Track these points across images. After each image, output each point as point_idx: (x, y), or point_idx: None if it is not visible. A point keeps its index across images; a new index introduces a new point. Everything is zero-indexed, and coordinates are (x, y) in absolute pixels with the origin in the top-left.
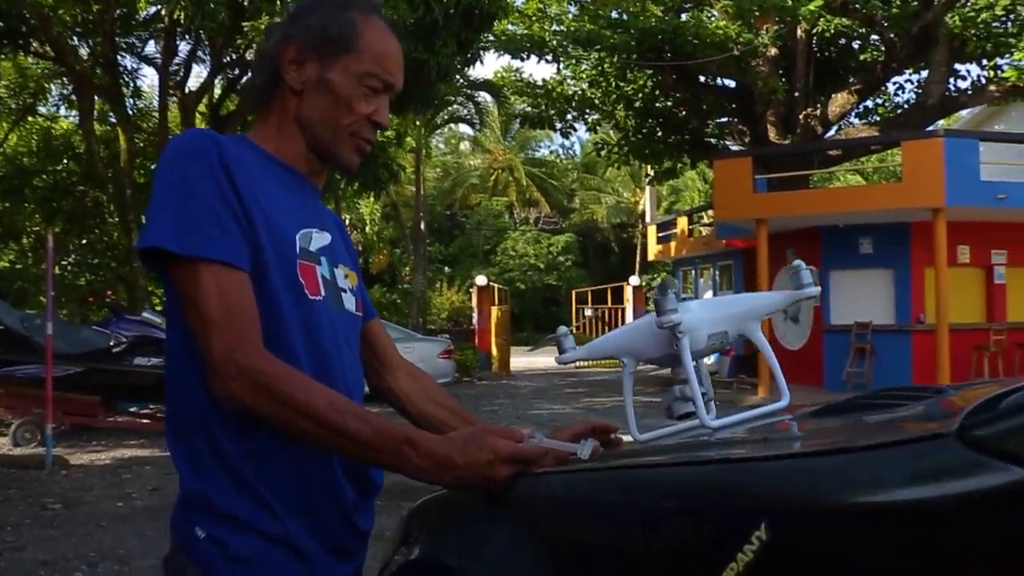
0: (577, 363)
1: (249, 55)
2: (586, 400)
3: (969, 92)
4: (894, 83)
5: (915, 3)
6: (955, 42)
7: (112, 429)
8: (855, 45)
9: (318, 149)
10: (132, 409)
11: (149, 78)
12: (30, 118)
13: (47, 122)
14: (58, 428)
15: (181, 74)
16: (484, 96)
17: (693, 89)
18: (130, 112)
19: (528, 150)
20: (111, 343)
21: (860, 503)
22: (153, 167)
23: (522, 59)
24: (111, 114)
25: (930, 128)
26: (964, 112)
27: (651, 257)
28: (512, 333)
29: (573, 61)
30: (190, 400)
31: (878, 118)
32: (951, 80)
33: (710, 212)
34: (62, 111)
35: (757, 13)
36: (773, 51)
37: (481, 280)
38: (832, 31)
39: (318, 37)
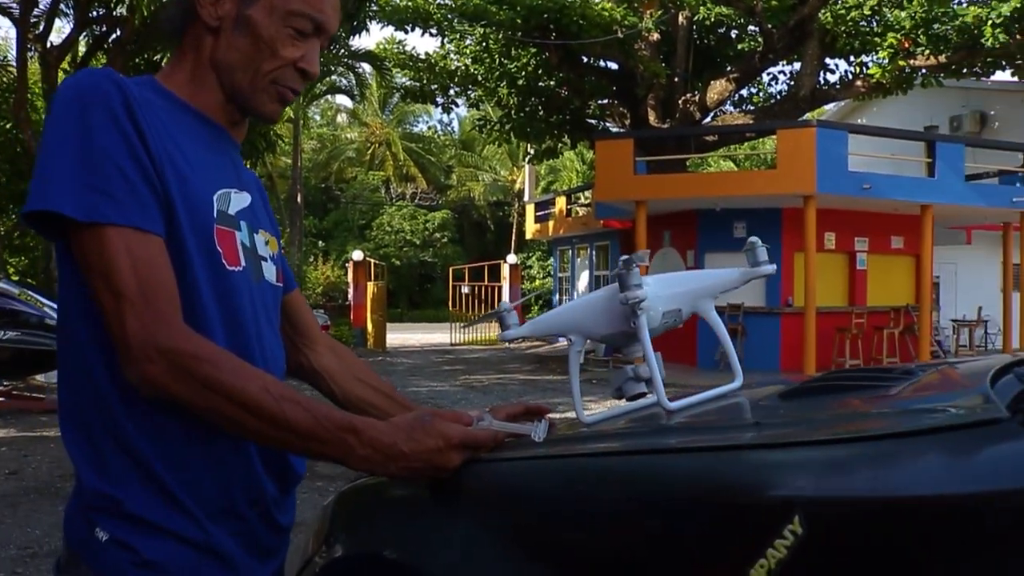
0: (453, 341)
1: (120, 10)
2: (463, 378)
3: (837, 86)
4: (769, 74)
5: None
6: (827, 37)
7: None
8: (734, 34)
9: (235, 97)
10: None
11: (4, 29)
12: None
13: None
14: None
15: (42, 27)
16: (365, 67)
17: (576, 69)
18: None
19: (406, 125)
20: None
21: (920, 495)
22: (8, 126)
23: (406, 31)
24: None
25: (803, 118)
26: (830, 105)
27: (529, 236)
28: (387, 309)
29: (458, 36)
30: (92, 386)
31: (752, 107)
32: (822, 73)
33: (588, 192)
34: None
35: None
36: (655, 36)
37: (357, 255)
38: (713, 19)
39: None
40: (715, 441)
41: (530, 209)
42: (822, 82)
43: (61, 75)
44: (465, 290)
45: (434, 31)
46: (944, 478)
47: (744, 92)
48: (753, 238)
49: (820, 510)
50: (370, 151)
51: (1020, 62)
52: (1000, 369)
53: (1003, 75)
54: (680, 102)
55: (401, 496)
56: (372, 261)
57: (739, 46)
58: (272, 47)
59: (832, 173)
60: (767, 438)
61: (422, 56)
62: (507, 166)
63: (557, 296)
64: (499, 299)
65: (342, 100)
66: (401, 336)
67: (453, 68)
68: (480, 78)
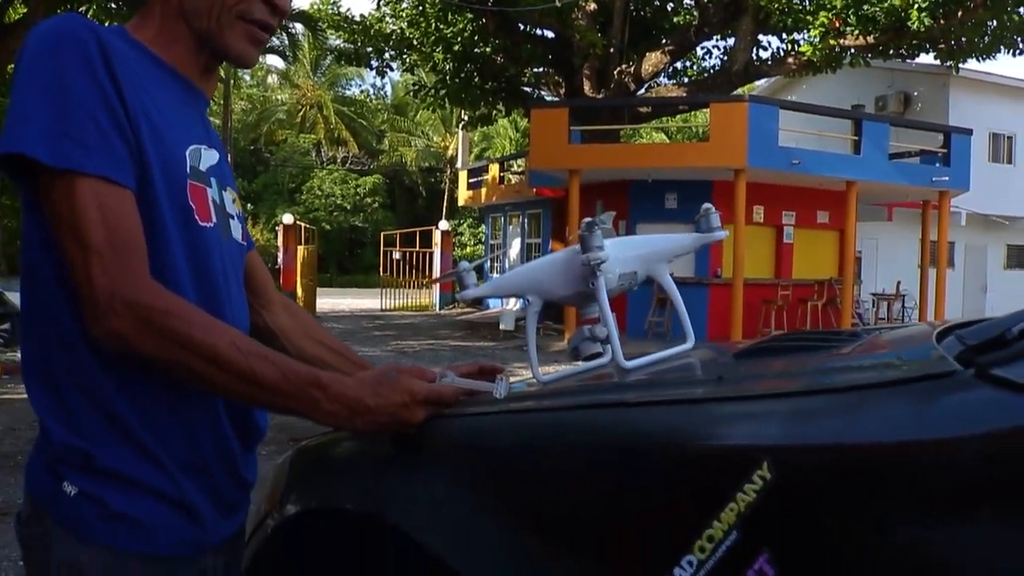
0: (383, 307)
1: None
2: (395, 343)
3: (770, 63)
4: (703, 48)
5: None
6: (760, 14)
7: None
8: (670, 7)
9: (207, 41)
10: None
11: None
12: None
13: None
14: None
15: None
16: (298, 28)
17: (513, 37)
18: None
19: (338, 88)
20: None
21: (882, 442)
22: None
23: None
24: None
25: (735, 93)
26: (761, 81)
27: (461, 202)
28: (317, 274)
29: None
30: (60, 339)
31: (687, 80)
32: (755, 50)
33: (521, 160)
34: None
35: None
36: (592, 5)
37: (288, 219)
38: None
39: None
40: (686, 395)
41: (463, 176)
42: (755, 58)
43: None
44: (396, 256)
45: None
46: (904, 426)
47: (678, 65)
48: (706, 205)
49: (788, 457)
50: (301, 113)
51: (943, 46)
52: (942, 331)
53: (927, 58)
54: (615, 73)
55: (362, 451)
56: (302, 225)
57: (675, 19)
58: None
59: (762, 148)
60: (735, 391)
61: (357, 18)
62: (440, 132)
63: (488, 263)
64: (430, 266)
65: (273, 61)
66: (331, 301)
67: (388, 31)
68: (416, 42)
